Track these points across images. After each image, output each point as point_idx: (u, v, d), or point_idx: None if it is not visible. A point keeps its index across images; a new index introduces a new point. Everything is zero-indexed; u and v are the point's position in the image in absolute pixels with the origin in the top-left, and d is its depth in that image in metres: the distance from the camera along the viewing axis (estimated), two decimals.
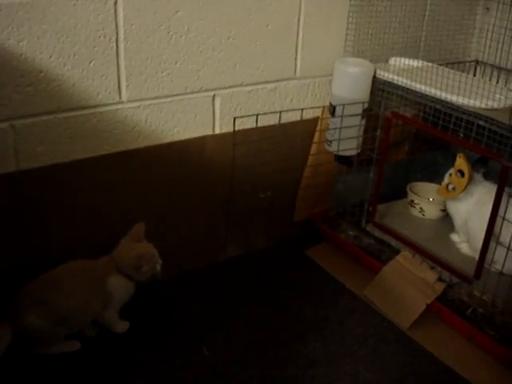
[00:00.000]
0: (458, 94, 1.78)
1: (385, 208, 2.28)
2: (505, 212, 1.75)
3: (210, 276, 2.06)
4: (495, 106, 1.74)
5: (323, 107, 2.11)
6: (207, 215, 2.04)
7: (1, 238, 1.67)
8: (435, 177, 2.26)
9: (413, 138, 2.42)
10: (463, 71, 2.28)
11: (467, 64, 2.40)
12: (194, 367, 1.68)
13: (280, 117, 1.97)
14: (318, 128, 2.12)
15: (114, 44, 1.67)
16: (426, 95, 1.86)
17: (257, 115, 1.92)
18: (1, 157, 1.61)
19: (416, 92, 1.89)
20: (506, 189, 1.76)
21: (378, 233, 2.16)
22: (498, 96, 1.78)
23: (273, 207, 2.12)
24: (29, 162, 1.65)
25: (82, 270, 1.67)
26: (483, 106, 1.74)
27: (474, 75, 2.40)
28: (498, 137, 1.69)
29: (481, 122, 1.72)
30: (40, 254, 1.73)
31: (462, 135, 1.79)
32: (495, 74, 2.34)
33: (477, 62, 2.40)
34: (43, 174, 1.68)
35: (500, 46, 2.12)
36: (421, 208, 2.26)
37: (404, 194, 2.34)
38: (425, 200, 2.27)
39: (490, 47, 2.18)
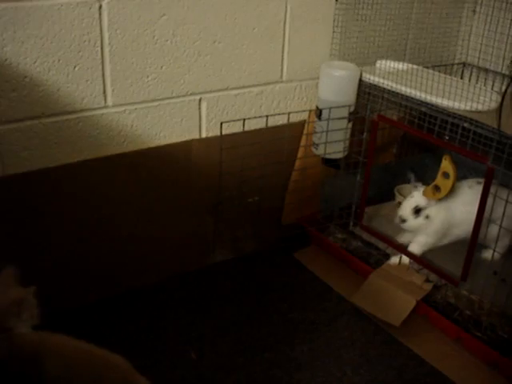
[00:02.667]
0: (443, 97, 1.78)
1: (373, 210, 2.29)
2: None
3: (198, 280, 2.06)
4: (480, 108, 1.75)
5: (310, 111, 2.11)
6: (195, 219, 2.04)
7: None
8: (423, 179, 2.26)
9: (400, 141, 2.43)
10: (450, 74, 2.29)
11: (454, 66, 2.41)
12: (181, 371, 1.68)
13: (267, 121, 1.98)
14: (305, 131, 2.12)
15: (99, 49, 1.67)
16: (412, 98, 1.87)
17: (243, 120, 1.92)
18: None
19: (401, 95, 1.90)
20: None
21: (365, 235, 2.17)
22: (482, 98, 1.79)
23: (261, 211, 2.11)
24: (14, 166, 1.65)
25: None
26: (468, 108, 1.75)
27: (462, 77, 2.41)
28: (482, 139, 1.69)
29: (466, 125, 1.73)
30: (25, 258, 1.73)
31: (447, 138, 1.79)
32: (482, 76, 2.35)
33: (464, 64, 2.41)
34: (29, 178, 1.68)
35: (487, 48, 2.14)
36: None
37: (392, 197, 2.35)
38: None
39: (476, 50, 2.20)
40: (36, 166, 1.68)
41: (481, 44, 2.17)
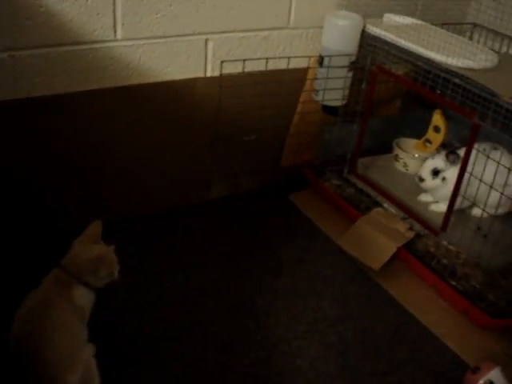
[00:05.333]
0: (438, 52, 1.84)
1: (370, 161, 2.36)
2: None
3: (194, 213, 2.17)
4: (471, 65, 1.80)
5: (312, 57, 2.16)
6: (195, 154, 2.13)
7: None
8: (424, 134, 2.32)
9: (405, 95, 2.48)
10: (459, 33, 2.32)
11: (464, 26, 2.43)
12: (169, 291, 1.80)
13: (267, 63, 2.04)
14: (309, 77, 2.19)
15: None
16: (409, 51, 1.92)
17: (244, 60, 1.99)
18: (0, 85, 1.69)
19: (400, 48, 1.95)
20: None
21: (359, 183, 2.25)
22: (478, 57, 1.84)
23: (258, 151, 2.19)
24: (26, 91, 1.74)
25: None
26: (460, 64, 1.80)
27: (471, 38, 2.44)
28: (471, 95, 1.75)
29: (456, 80, 1.78)
30: (36, 179, 1.85)
31: (438, 92, 1.85)
32: (491, 37, 2.37)
33: (474, 24, 2.43)
34: (40, 103, 1.77)
35: (498, 11, 2.15)
36: (404, 163, 2.33)
37: (391, 149, 2.41)
38: (409, 155, 2.34)
39: (487, 12, 2.21)
40: (47, 91, 1.77)
41: (490, 9, 2.18)
